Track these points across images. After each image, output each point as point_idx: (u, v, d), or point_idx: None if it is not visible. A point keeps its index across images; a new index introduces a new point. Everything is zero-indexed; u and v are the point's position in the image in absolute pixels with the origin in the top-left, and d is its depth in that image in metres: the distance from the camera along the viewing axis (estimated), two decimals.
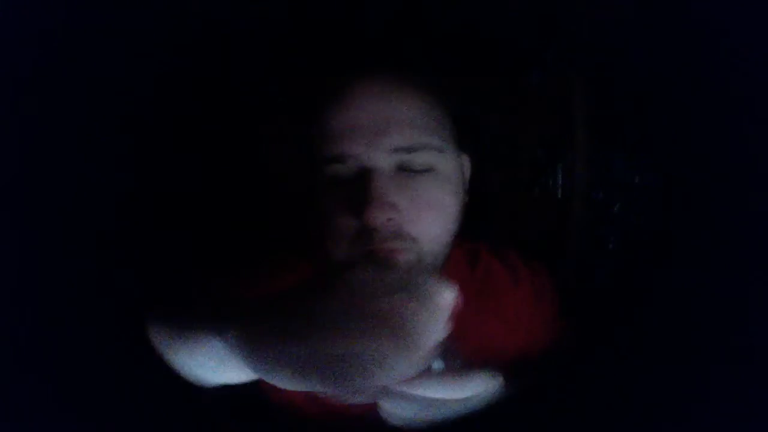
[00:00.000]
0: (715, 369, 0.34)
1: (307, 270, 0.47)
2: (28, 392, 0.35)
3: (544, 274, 0.52)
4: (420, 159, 0.37)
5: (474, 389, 0.26)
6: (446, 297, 0.23)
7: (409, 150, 0.37)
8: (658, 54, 0.51)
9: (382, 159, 0.36)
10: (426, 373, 0.24)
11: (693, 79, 0.45)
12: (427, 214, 0.37)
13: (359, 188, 0.36)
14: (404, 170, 0.37)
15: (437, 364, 0.33)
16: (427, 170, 0.38)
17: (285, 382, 0.22)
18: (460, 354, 0.32)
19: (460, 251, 0.49)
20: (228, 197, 0.85)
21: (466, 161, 0.45)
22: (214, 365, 0.29)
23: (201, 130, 0.78)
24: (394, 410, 0.28)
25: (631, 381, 0.37)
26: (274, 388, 0.23)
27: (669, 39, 0.48)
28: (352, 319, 0.22)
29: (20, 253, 0.37)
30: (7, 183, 0.36)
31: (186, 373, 0.31)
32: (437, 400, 0.26)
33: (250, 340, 0.24)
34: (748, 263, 0.35)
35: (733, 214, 0.38)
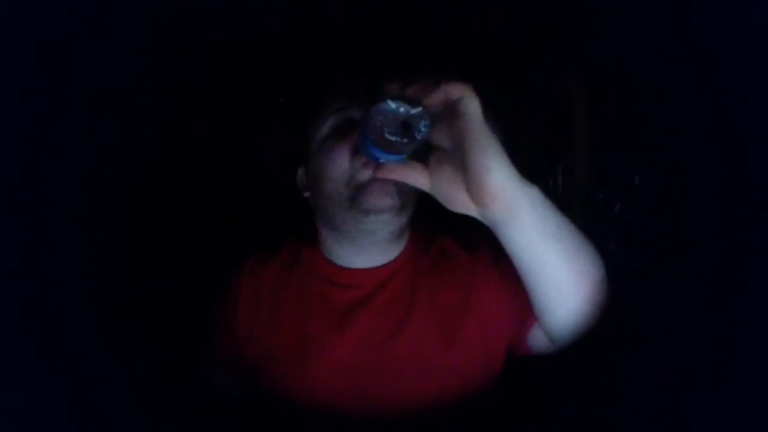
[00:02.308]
0: (714, 370, 0.34)
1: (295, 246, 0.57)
2: (28, 391, 0.35)
3: None
4: None
5: None
6: None
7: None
8: (658, 54, 0.52)
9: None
10: None
11: (693, 79, 0.45)
12: None
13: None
14: None
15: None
16: None
17: None
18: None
19: (416, 235, 0.59)
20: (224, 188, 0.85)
21: None
22: None
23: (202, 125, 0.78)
24: None
25: (629, 381, 0.37)
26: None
27: (669, 39, 0.48)
28: None
29: (18, 253, 0.37)
30: (7, 183, 0.36)
31: None
32: None
33: None
34: (748, 262, 0.35)
35: (733, 214, 0.38)
